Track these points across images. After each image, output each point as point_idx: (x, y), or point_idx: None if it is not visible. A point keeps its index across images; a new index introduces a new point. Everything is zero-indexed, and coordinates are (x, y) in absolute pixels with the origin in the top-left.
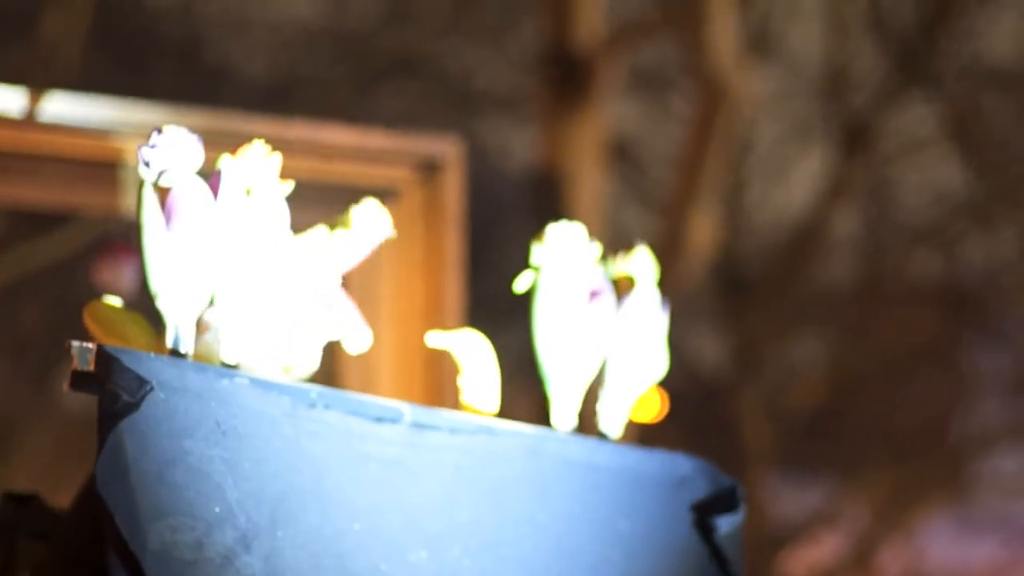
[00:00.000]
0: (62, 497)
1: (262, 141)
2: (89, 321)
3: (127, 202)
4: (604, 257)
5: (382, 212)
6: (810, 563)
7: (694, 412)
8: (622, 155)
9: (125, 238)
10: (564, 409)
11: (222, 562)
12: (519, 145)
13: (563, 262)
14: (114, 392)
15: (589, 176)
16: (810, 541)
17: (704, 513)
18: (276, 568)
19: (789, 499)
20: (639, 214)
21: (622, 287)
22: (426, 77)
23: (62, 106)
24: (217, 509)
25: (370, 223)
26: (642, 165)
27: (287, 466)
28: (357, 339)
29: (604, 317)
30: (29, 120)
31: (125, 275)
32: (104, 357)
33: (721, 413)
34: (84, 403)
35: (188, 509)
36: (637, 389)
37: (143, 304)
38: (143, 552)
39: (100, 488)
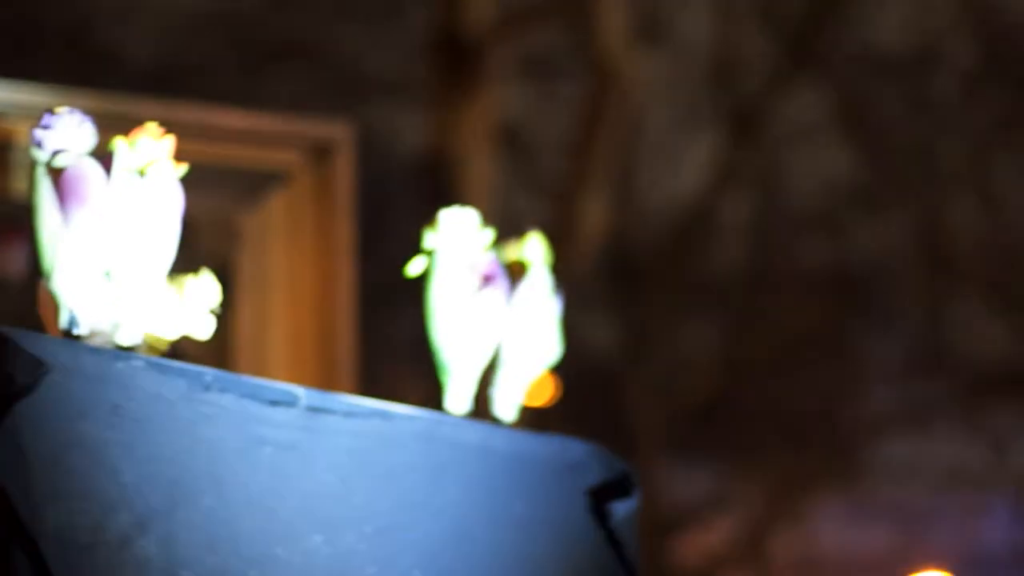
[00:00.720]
0: None
1: (154, 124)
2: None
3: (16, 184)
4: (496, 243)
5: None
6: (702, 548)
7: (585, 397)
8: (512, 140)
9: (15, 221)
10: (458, 394)
11: (119, 546)
12: (409, 130)
13: (455, 247)
14: (9, 373)
15: (479, 161)
16: (702, 526)
17: (599, 498)
18: (172, 552)
19: (681, 484)
20: (530, 199)
21: (515, 272)
22: (316, 62)
23: None
24: (113, 493)
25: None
26: (532, 150)
27: (183, 449)
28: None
29: (497, 302)
30: None
31: (16, 258)
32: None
33: (613, 398)
34: None
35: (84, 493)
36: (530, 374)
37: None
38: (40, 536)
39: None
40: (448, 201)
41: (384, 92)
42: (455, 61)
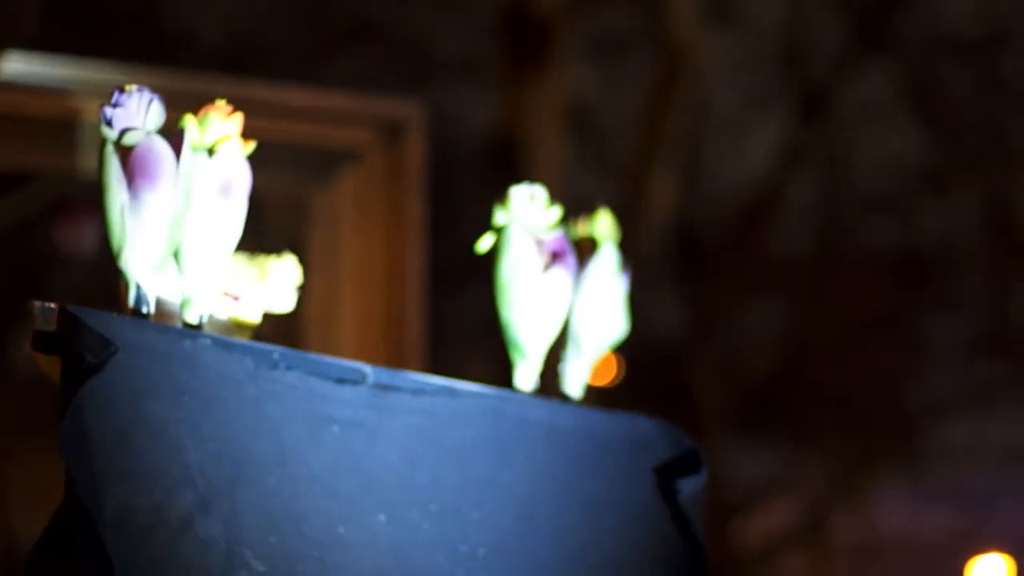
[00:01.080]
0: (17, 460)
1: (223, 102)
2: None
3: (86, 162)
4: (565, 221)
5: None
6: (763, 530)
7: (650, 377)
8: (581, 120)
9: (85, 198)
10: (526, 371)
11: (180, 525)
12: (479, 109)
13: (524, 224)
14: (78, 353)
15: (549, 141)
16: (763, 508)
17: (666, 475)
18: (234, 531)
19: (743, 466)
20: (598, 179)
21: (583, 250)
22: (387, 41)
23: (20, 66)
24: (176, 472)
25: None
26: (601, 130)
27: (248, 428)
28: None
29: (565, 280)
30: None
31: (86, 235)
32: (67, 317)
33: (677, 378)
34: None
35: (147, 472)
36: (598, 352)
37: (104, 264)
38: (101, 515)
39: (63, 450)
40: (517, 180)
41: (455, 71)
42: (525, 41)
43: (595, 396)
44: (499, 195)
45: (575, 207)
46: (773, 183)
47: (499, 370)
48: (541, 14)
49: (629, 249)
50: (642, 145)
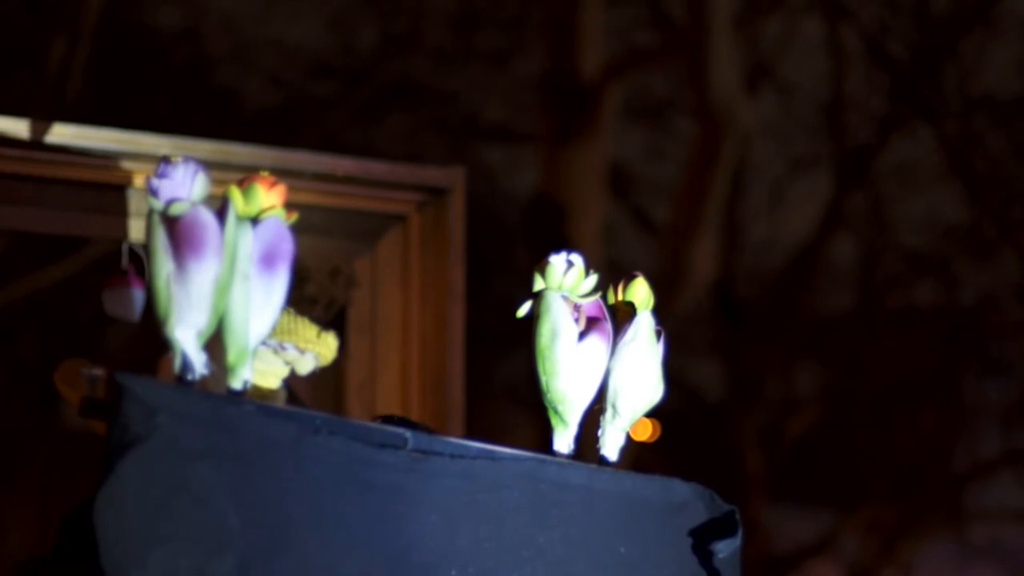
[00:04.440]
0: (56, 523)
1: (267, 172)
2: (59, 382)
3: (133, 227)
4: (603, 285)
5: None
6: None
7: (691, 438)
8: (623, 183)
9: (132, 263)
10: (563, 435)
11: None
12: (521, 173)
13: (563, 290)
14: (124, 422)
15: (590, 204)
16: (808, 570)
17: (703, 537)
18: None
19: (785, 528)
20: (639, 241)
21: (621, 315)
22: (430, 105)
23: (68, 133)
24: (218, 535)
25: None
26: (643, 193)
27: (289, 493)
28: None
29: (602, 345)
30: (35, 146)
31: (132, 301)
32: (114, 385)
33: (718, 439)
34: (84, 425)
35: (190, 535)
36: (634, 416)
37: (149, 329)
38: None
39: (95, 517)
40: (559, 244)
41: (497, 135)
42: (567, 105)
43: (636, 459)
44: (539, 260)
45: (616, 270)
46: (815, 244)
47: (537, 433)
48: (583, 79)
49: (670, 312)
50: (684, 208)
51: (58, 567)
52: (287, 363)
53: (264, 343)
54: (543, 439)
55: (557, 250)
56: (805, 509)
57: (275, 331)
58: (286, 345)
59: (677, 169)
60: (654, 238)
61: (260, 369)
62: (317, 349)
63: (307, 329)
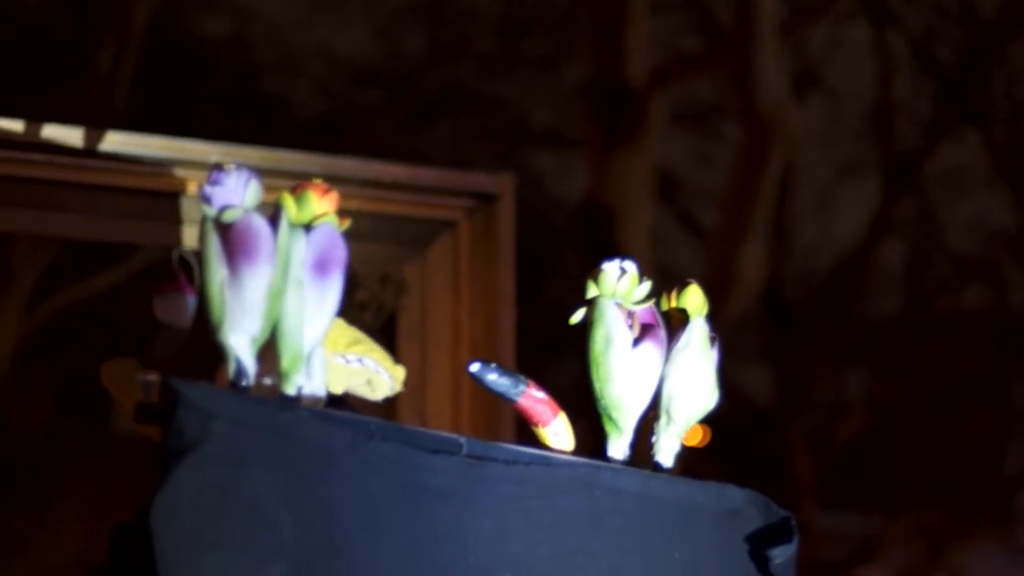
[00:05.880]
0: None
1: (319, 179)
2: (105, 380)
3: (185, 234)
4: (655, 292)
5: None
6: None
7: (740, 445)
8: (671, 189)
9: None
10: (618, 441)
11: None
12: (569, 178)
13: (617, 297)
14: (179, 428)
15: (639, 210)
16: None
17: (758, 544)
18: None
19: (834, 533)
20: (687, 247)
21: (675, 321)
22: (477, 111)
23: (117, 141)
24: (270, 542)
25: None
26: (691, 199)
27: (343, 499)
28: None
29: (656, 351)
30: (85, 154)
31: (185, 307)
32: (168, 390)
33: (766, 445)
34: (134, 432)
35: (243, 541)
36: (689, 423)
37: (199, 336)
38: None
39: (152, 523)
40: (607, 249)
41: (544, 141)
42: (615, 110)
43: (687, 465)
44: (589, 265)
45: (664, 275)
46: (863, 249)
47: (590, 440)
48: (630, 85)
49: (718, 317)
50: (731, 213)
51: None
52: (368, 382)
53: (345, 358)
54: (594, 445)
55: (606, 255)
56: (854, 514)
57: (354, 346)
58: (365, 360)
59: (724, 174)
60: (701, 243)
61: (337, 380)
62: (394, 372)
63: (384, 355)
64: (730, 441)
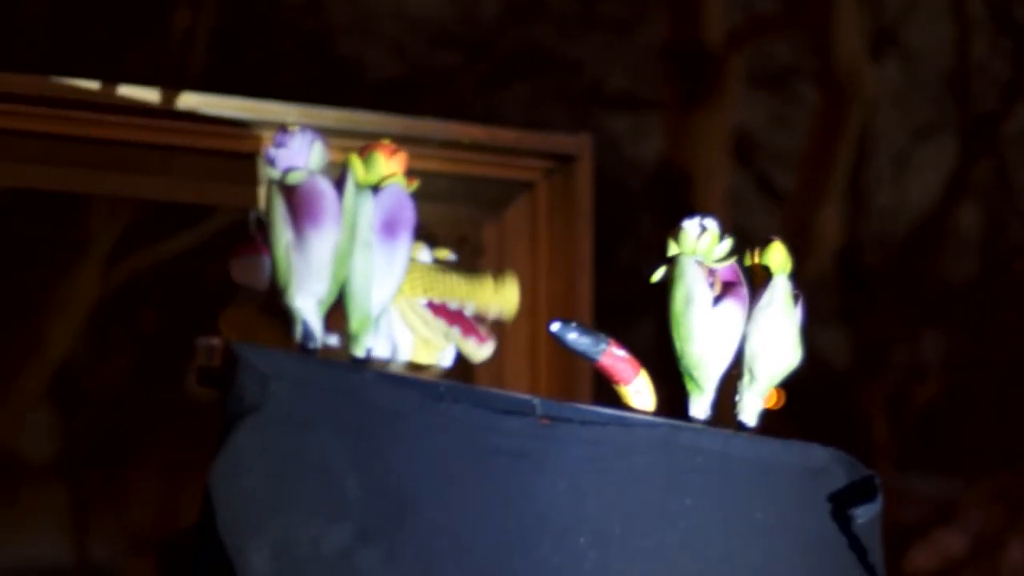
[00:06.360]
0: (183, 499)
1: (388, 140)
2: (224, 327)
3: (262, 195)
4: (736, 251)
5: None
6: (931, 564)
7: (816, 407)
8: (748, 150)
9: (259, 231)
10: (700, 400)
11: (339, 558)
12: (645, 140)
13: (697, 255)
14: (238, 391)
15: (716, 171)
16: (935, 537)
17: (842, 503)
18: (395, 564)
19: (910, 496)
20: (763, 209)
21: (758, 279)
22: (554, 73)
23: (194, 101)
24: (337, 505)
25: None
26: (768, 160)
27: (411, 461)
28: (478, 350)
29: (738, 309)
30: (162, 114)
31: (262, 269)
32: (229, 354)
33: (842, 407)
34: (209, 397)
35: (308, 504)
36: (772, 382)
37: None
38: (258, 548)
39: (211, 488)
40: (684, 212)
41: (620, 103)
42: (692, 72)
43: (766, 426)
44: (665, 229)
45: (742, 237)
46: (939, 211)
47: (671, 400)
48: (707, 46)
49: (796, 279)
50: (809, 175)
51: None
52: (447, 337)
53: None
54: (673, 406)
55: (682, 219)
56: (931, 477)
57: (441, 291)
58: (466, 306)
59: (801, 136)
60: (778, 205)
61: (423, 336)
62: (499, 303)
63: (481, 287)
64: (806, 404)
